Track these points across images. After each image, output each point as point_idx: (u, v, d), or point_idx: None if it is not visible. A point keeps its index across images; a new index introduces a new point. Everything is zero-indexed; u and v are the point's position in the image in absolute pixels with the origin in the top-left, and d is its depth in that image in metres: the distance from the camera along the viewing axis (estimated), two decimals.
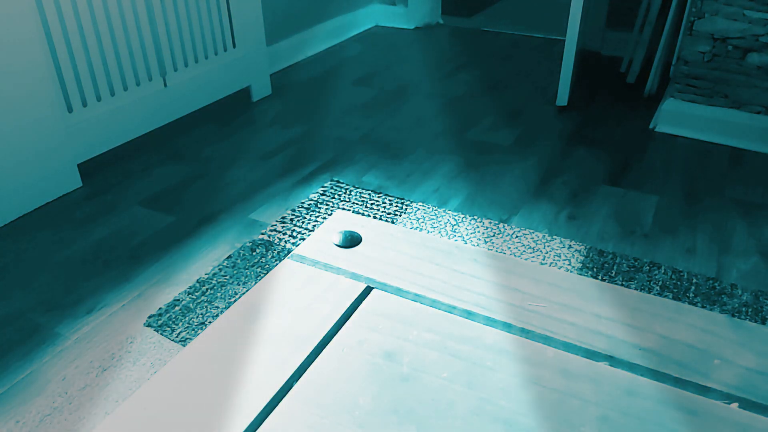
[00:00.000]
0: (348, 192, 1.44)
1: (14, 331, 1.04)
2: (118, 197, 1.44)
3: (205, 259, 1.22)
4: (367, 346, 0.45)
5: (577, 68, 1.96)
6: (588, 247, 1.24)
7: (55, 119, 1.38)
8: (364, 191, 1.45)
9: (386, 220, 1.33)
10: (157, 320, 1.06)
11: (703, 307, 1.08)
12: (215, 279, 1.16)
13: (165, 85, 1.65)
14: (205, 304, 1.09)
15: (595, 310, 0.48)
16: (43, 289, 1.14)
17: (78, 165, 1.58)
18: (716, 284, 1.13)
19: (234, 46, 1.86)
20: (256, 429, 0.38)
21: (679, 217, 1.35)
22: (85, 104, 1.46)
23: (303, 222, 1.33)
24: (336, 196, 1.42)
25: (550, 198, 1.43)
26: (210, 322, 1.06)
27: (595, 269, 1.17)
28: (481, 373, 0.42)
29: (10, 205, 1.34)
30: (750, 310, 1.07)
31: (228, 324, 0.47)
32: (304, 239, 1.28)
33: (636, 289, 1.12)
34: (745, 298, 1.10)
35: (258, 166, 1.58)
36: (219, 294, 1.12)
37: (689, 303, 1.09)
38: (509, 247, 1.24)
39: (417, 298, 0.50)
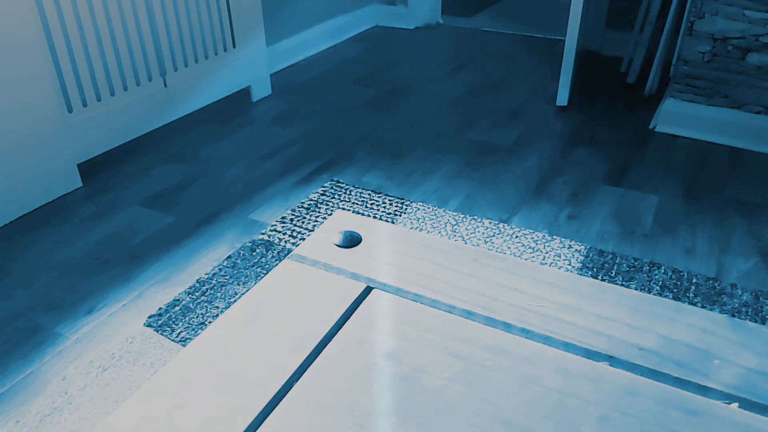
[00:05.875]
0: (348, 192, 1.44)
1: (14, 331, 1.04)
2: (118, 197, 1.44)
3: (205, 259, 1.22)
4: (367, 346, 0.45)
5: (577, 68, 1.96)
6: (588, 247, 1.24)
7: (55, 119, 1.38)
8: (364, 191, 1.45)
9: (386, 220, 1.33)
10: (157, 320, 1.06)
11: (703, 307, 1.08)
12: (215, 279, 1.16)
13: (165, 85, 1.65)
14: (205, 304, 1.09)
15: (595, 310, 0.48)
16: (43, 289, 1.14)
17: (78, 165, 1.58)
18: (716, 284, 1.13)
19: (234, 46, 1.86)
20: (256, 429, 0.38)
21: (679, 217, 1.35)
22: (85, 104, 1.46)
23: (303, 222, 1.33)
24: (336, 196, 1.42)
25: (550, 198, 1.43)
26: (210, 322, 1.06)
27: (595, 269, 1.17)
28: (481, 373, 0.42)
29: (10, 205, 1.34)
30: (750, 310, 1.07)
31: (228, 324, 0.47)
32: (304, 239, 1.28)
33: (636, 289, 1.12)
34: (745, 298, 1.10)
35: (258, 166, 1.58)
36: (219, 294, 1.12)
37: (689, 303, 1.09)
38: (509, 247, 1.24)
39: (417, 298, 0.50)
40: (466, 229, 1.30)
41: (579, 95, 2.02)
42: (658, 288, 1.12)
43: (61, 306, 1.10)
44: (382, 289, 0.51)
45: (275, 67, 2.25)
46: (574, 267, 1.18)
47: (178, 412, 0.39)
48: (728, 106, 1.67)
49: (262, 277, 1.17)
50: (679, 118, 1.73)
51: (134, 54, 1.54)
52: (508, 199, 1.43)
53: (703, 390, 0.41)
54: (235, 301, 1.11)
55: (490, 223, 1.32)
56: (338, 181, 1.49)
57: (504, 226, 1.31)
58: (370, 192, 1.44)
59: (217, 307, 1.09)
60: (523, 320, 0.47)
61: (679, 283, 1.14)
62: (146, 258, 1.23)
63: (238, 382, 0.42)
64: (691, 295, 1.11)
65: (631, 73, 2.10)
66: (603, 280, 1.15)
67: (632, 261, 1.20)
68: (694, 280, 1.14)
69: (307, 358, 0.44)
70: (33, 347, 1.01)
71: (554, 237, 1.27)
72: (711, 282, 1.14)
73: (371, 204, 1.39)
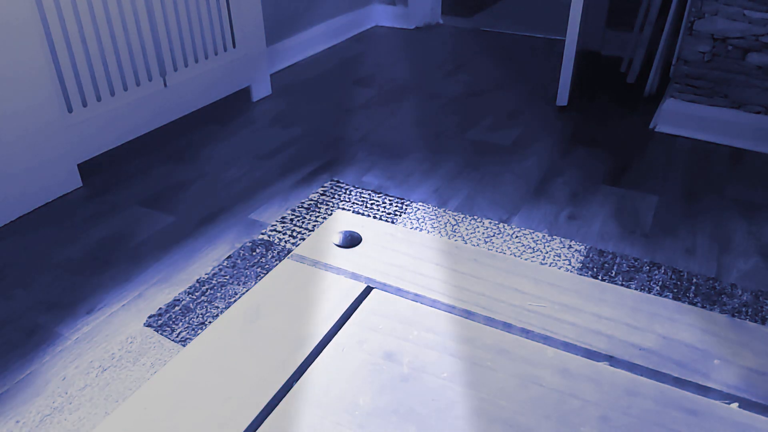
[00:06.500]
0: (348, 192, 1.44)
1: (14, 331, 1.04)
2: (118, 197, 1.44)
3: (205, 259, 1.22)
4: (367, 346, 0.45)
5: (577, 68, 1.96)
6: (588, 247, 1.24)
7: (55, 119, 1.38)
8: (364, 191, 1.45)
9: (386, 220, 1.33)
10: (157, 320, 1.06)
11: (703, 307, 1.08)
12: (215, 279, 1.16)
13: (165, 85, 1.65)
14: (205, 304, 1.09)
15: (595, 310, 0.48)
16: (43, 289, 1.14)
17: (78, 165, 1.58)
18: (716, 284, 1.13)
19: (234, 46, 1.86)
20: (256, 429, 0.38)
21: (679, 217, 1.35)
22: (85, 104, 1.46)
23: (303, 222, 1.33)
24: (336, 196, 1.42)
25: (550, 198, 1.43)
26: (210, 322, 1.06)
27: (595, 269, 1.17)
28: (481, 373, 0.42)
29: (10, 205, 1.34)
30: (750, 310, 1.07)
31: (228, 324, 0.47)
32: (304, 239, 1.28)
33: (636, 289, 1.12)
34: (745, 298, 1.10)
35: (258, 166, 1.58)
36: (219, 294, 1.12)
37: (689, 303, 1.09)
38: (509, 247, 1.24)
39: (417, 298, 0.50)
40: (466, 229, 1.30)
41: (579, 95, 2.02)
42: (658, 288, 1.12)
43: (61, 306, 1.10)
44: (382, 289, 0.51)
45: (275, 67, 2.25)
46: (574, 267, 1.18)
47: (178, 412, 0.39)
48: (728, 106, 1.67)
49: (262, 277, 1.17)
50: (679, 118, 1.73)
51: (134, 54, 1.54)
52: (508, 199, 1.43)
53: (703, 390, 0.41)
54: (235, 301, 1.11)
55: (490, 223, 1.32)
56: (338, 181, 1.49)
57: (504, 226, 1.31)
58: (370, 192, 1.44)
59: (217, 307, 1.09)
60: (523, 320, 0.47)
61: (679, 283, 1.14)
62: (146, 258, 1.23)
63: (238, 381, 0.42)
64: (691, 295, 1.11)
65: (631, 73, 2.10)
66: (603, 280, 1.15)
67: (632, 261, 1.20)
68: (694, 280, 1.14)
69: (307, 357, 0.44)
70: (33, 347, 1.01)
71: (554, 237, 1.27)
72: (711, 282, 1.14)
73: (371, 204, 1.39)
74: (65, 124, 1.41)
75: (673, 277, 1.15)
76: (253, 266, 1.19)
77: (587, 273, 1.17)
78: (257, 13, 1.89)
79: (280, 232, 1.30)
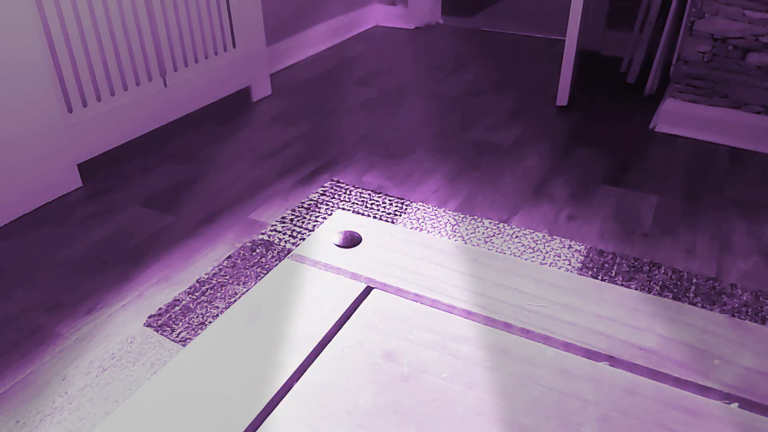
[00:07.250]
0: (348, 192, 1.44)
1: (14, 331, 1.04)
2: (118, 197, 1.44)
3: (205, 259, 1.22)
4: (367, 346, 0.45)
5: (577, 68, 1.96)
6: (588, 247, 1.24)
7: (55, 119, 1.38)
8: (364, 191, 1.45)
9: (386, 220, 1.33)
10: (157, 320, 1.06)
11: (703, 307, 1.08)
12: (215, 279, 1.16)
13: (165, 85, 1.65)
14: (205, 304, 1.09)
15: (595, 310, 0.48)
16: (43, 289, 1.14)
17: (78, 165, 1.58)
18: (716, 284, 1.13)
19: (234, 46, 1.86)
20: (256, 429, 0.38)
21: (679, 217, 1.35)
22: (85, 104, 1.46)
23: (303, 222, 1.33)
24: (336, 196, 1.42)
25: (550, 198, 1.43)
26: (210, 322, 1.06)
27: (595, 269, 1.17)
28: (481, 373, 0.42)
29: (10, 205, 1.34)
30: (750, 310, 1.07)
31: (228, 324, 0.47)
32: (304, 239, 1.28)
33: (636, 289, 1.12)
34: (745, 298, 1.10)
35: (258, 166, 1.58)
36: (219, 294, 1.12)
37: (689, 303, 1.09)
38: (509, 247, 1.24)
39: (417, 298, 0.50)
40: (466, 229, 1.30)
41: (579, 95, 2.02)
42: (658, 288, 1.12)
43: (61, 306, 1.10)
44: (382, 289, 0.51)
45: (275, 67, 2.25)
46: (574, 267, 1.18)
47: (178, 412, 0.39)
48: (728, 106, 1.67)
49: (262, 277, 1.17)
50: (679, 118, 1.73)
51: (134, 54, 1.54)
52: (508, 199, 1.43)
53: (703, 390, 0.41)
54: (235, 301, 1.11)
55: (490, 223, 1.32)
56: (338, 181, 1.49)
57: (504, 226, 1.31)
58: (370, 192, 1.44)
59: (217, 307, 1.09)
60: (523, 320, 0.47)
61: (679, 283, 1.14)
62: (146, 258, 1.23)
63: (238, 382, 0.42)
64: (691, 295, 1.11)
65: (631, 73, 2.10)
66: (603, 280, 1.15)
67: (632, 261, 1.20)
68: (694, 280, 1.14)
69: (307, 358, 0.44)
70: (33, 347, 1.01)
71: (554, 237, 1.27)
72: (711, 282, 1.14)
73: (371, 204, 1.39)
74: (65, 124, 1.41)
75: (673, 277, 1.15)
76: (253, 266, 1.19)
77: (587, 273, 1.17)
78: (257, 13, 1.89)
79: (280, 232, 1.30)
